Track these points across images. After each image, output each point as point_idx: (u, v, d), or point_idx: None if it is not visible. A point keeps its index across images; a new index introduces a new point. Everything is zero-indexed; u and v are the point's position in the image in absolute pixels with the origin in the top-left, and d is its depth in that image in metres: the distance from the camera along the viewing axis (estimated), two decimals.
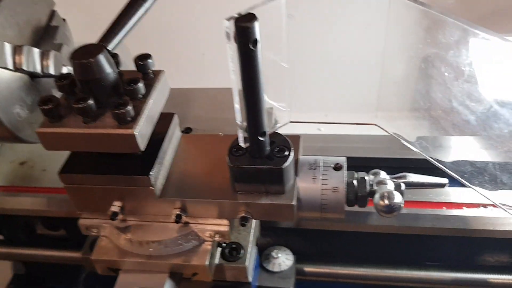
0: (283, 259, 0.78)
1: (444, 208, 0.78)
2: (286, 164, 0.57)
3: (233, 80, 0.52)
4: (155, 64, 0.62)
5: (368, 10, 0.54)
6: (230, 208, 0.61)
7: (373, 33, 0.56)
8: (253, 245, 0.73)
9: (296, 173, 0.61)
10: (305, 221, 0.80)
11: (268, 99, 0.60)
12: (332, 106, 0.64)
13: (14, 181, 0.95)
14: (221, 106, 0.89)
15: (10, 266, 1.12)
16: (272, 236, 0.82)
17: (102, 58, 0.55)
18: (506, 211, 0.60)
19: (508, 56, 0.47)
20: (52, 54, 0.73)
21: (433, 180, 0.65)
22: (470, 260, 0.81)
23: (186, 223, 0.64)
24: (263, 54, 0.48)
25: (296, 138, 0.64)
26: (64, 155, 0.92)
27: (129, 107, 0.54)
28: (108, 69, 0.56)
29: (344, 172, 0.61)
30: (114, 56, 0.58)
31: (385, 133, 0.82)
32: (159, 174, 0.62)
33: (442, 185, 0.65)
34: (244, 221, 0.60)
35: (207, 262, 0.63)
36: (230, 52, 0.49)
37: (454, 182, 0.67)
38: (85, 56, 0.54)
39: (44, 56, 0.73)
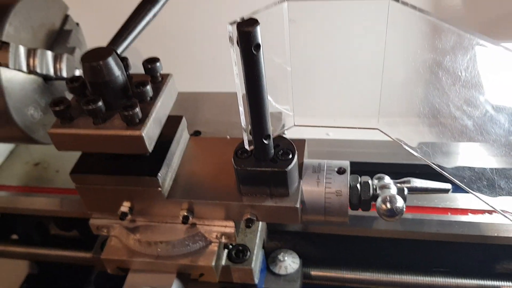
0: (290, 262, 0.79)
1: (449, 213, 0.78)
2: (290, 167, 0.58)
3: (237, 84, 0.53)
4: (166, 67, 0.63)
5: (368, 16, 0.54)
6: (235, 210, 0.62)
7: (373, 38, 0.57)
8: (259, 248, 0.73)
9: (300, 176, 0.62)
10: (312, 225, 0.81)
11: (273, 103, 0.61)
12: (336, 111, 0.65)
13: (28, 182, 0.97)
14: (229, 110, 0.90)
15: (25, 265, 1.14)
16: (279, 240, 0.83)
17: (111, 61, 0.56)
18: (507, 217, 0.61)
19: (503, 63, 0.48)
20: (65, 57, 0.75)
21: (437, 185, 0.65)
22: (477, 267, 0.81)
23: (193, 224, 0.65)
24: (268, 58, 0.49)
25: (301, 142, 0.65)
26: (76, 156, 0.94)
27: (137, 109, 0.56)
28: (117, 72, 0.57)
29: (347, 175, 0.62)
30: (123, 60, 0.60)
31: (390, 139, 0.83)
32: (166, 176, 0.63)
33: (446, 191, 0.65)
34: (249, 223, 0.61)
35: (213, 263, 0.64)
36: (234, 55, 0.50)
37: (458, 188, 0.67)
38: (95, 59, 0.56)
39: (57, 59, 0.75)
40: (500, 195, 0.60)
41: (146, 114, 0.57)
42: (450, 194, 0.73)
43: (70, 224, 1.03)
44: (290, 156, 0.59)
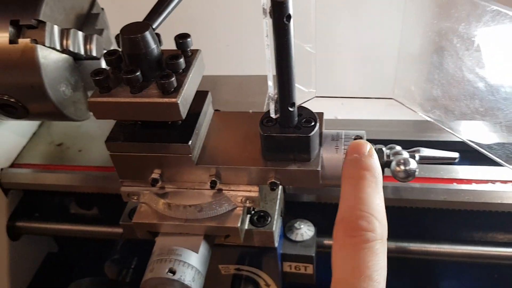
0: (305, 230, 0.84)
1: (455, 183, 0.83)
2: (312, 132, 0.62)
3: (267, 55, 0.57)
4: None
5: None
6: (260, 175, 0.67)
7: (393, 12, 0.61)
8: (278, 215, 0.78)
9: (320, 144, 0.67)
10: (325, 196, 0.86)
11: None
12: (353, 84, 0.69)
13: (53, 161, 1.01)
14: (246, 91, 0.95)
15: (46, 243, 1.18)
16: (295, 210, 0.88)
17: (148, 35, 0.61)
18: None
19: None
20: (94, 37, 0.80)
21: (445, 154, 0.70)
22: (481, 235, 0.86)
23: (220, 190, 0.70)
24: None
25: (320, 114, 0.70)
26: (96, 136, 0.99)
27: (173, 79, 0.60)
28: (153, 44, 0.62)
29: None
30: (157, 35, 0.65)
31: (401, 118, 0.87)
32: (196, 144, 0.68)
33: (453, 159, 0.70)
34: (273, 186, 0.66)
35: (239, 224, 0.69)
36: (266, 27, 0.54)
37: (463, 160, 0.72)
38: (133, 32, 0.60)
39: (87, 39, 0.79)
40: None
41: (180, 84, 0.62)
42: (455, 166, 0.78)
43: (91, 203, 1.08)
44: (313, 123, 0.63)
